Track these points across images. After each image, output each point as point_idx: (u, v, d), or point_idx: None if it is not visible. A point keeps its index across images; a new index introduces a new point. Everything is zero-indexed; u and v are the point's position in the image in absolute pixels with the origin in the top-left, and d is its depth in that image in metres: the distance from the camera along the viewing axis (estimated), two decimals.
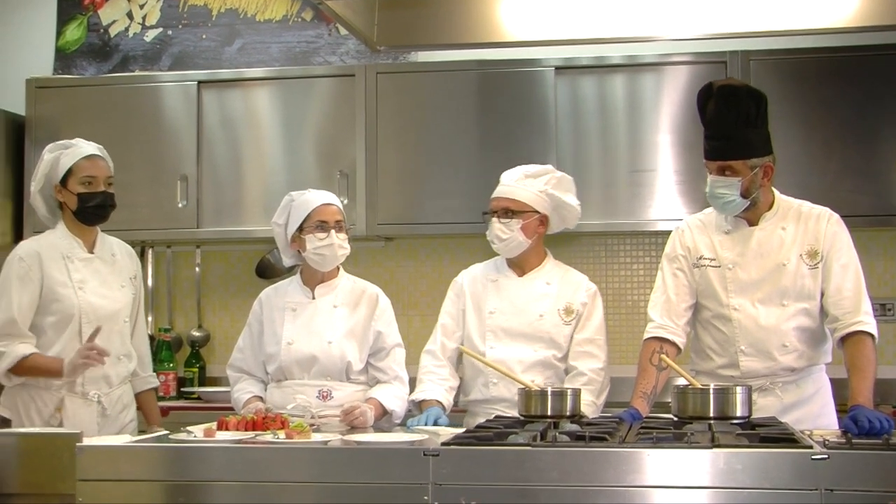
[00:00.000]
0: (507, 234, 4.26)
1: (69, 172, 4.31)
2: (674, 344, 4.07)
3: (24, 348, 4.17)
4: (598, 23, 4.86)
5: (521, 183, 4.31)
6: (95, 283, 4.35)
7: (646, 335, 4.13)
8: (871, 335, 3.88)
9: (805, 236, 4.02)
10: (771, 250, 4.02)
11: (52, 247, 4.32)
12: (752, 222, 4.07)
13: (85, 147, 4.37)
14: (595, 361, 4.26)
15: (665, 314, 4.11)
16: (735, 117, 3.91)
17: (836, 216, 4.07)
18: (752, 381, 3.91)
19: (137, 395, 4.52)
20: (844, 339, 3.89)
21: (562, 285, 4.36)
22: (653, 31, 4.89)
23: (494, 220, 4.27)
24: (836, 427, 3.96)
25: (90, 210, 4.33)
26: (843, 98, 5.35)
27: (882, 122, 5.31)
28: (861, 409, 3.51)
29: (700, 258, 4.10)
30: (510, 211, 4.26)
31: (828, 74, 5.37)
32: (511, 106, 5.55)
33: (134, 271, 4.53)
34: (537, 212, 4.30)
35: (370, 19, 4.69)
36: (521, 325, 4.29)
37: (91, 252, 4.39)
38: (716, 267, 4.06)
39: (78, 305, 4.26)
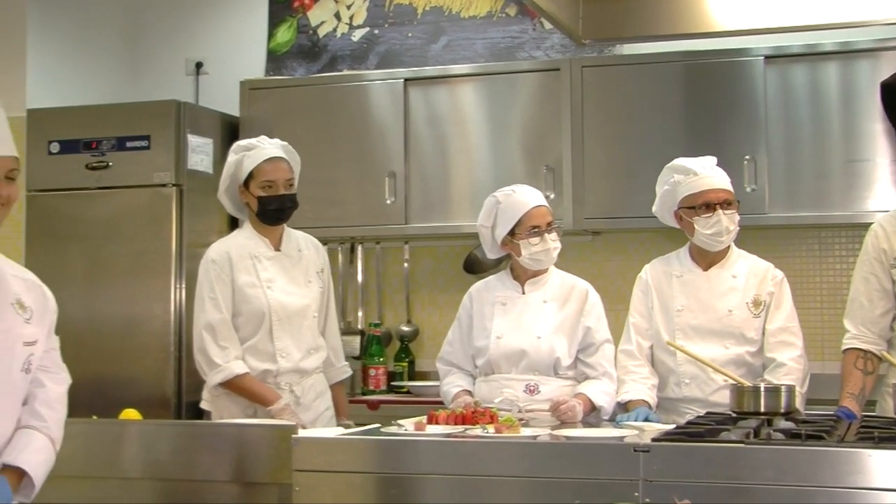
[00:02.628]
0: (733, 226, 4.19)
1: (251, 175, 4.39)
2: (873, 353, 3.97)
3: (238, 367, 4.26)
4: (809, 9, 4.72)
5: (721, 172, 4.24)
6: (283, 281, 4.43)
7: (844, 346, 4.06)
8: None
9: None
10: None
11: (241, 247, 4.42)
12: None
13: (267, 149, 4.43)
14: (792, 350, 4.13)
15: (860, 322, 4.03)
16: None
17: None
18: None
19: (331, 387, 4.60)
20: None
21: (748, 277, 4.25)
22: (867, 15, 4.72)
23: (720, 211, 4.16)
24: None
25: (270, 213, 4.41)
26: None
27: None
28: None
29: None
30: (729, 202, 4.18)
31: None
32: (719, 97, 5.44)
33: (321, 265, 4.59)
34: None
35: (575, 13, 4.67)
36: (709, 322, 4.20)
37: (277, 250, 4.48)
38: None
39: (267, 304, 4.35)
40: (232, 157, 4.47)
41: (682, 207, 4.22)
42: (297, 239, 4.57)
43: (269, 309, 4.36)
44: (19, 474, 2.91)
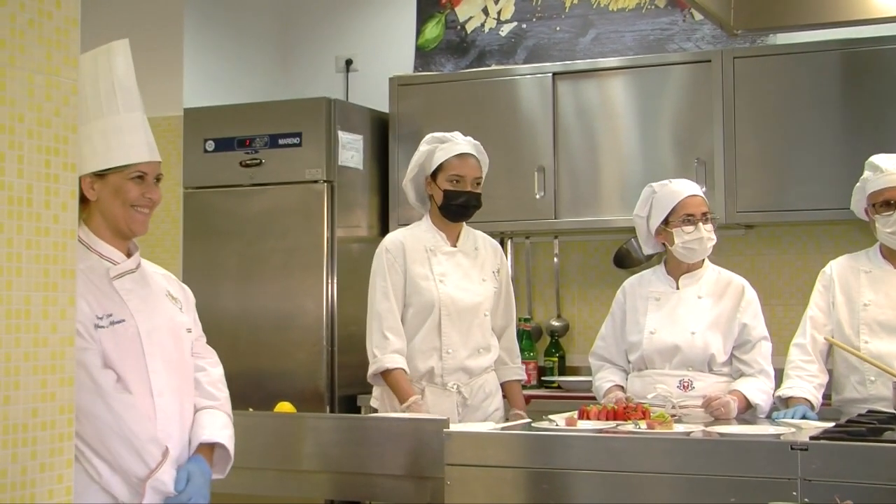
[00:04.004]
0: None
1: (440, 168, 4.42)
2: None
3: (392, 360, 4.26)
4: None
5: None
6: (457, 277, 4.44)
7: None
8: None
9: None
10: None
11: (417, 239, 4.45)
12: None
13: (460, 144, 4.45)
14: None
15: None
16: None
17: None
18: None
19: (503, 384, 4.58)
20: None
21: None
22: None
23: None
24: None
25: (454, 208, 4.43)
26: None
27: None
28: None
29: None
30: None
31: None
32: (878, 86, 5.28)
33: (497, 265, 4.59)
34: None
35: (727, 3, 4.60)
36: None
37: (454, 246, 4.50)
38: None
39: (438, 298, 4.37)
40: (423, 147, 4.50)
41: (869, 204, 4.14)
42: (475, 237, 4.58)
43: (438, 303, 4.38)
44: (210, 451, 3.03)
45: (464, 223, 4.53)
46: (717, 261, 4.41)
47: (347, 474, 3.60)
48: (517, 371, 4.62)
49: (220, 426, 3.05)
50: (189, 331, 3.09)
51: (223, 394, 3.14)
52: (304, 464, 3.68)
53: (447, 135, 4.48)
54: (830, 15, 4.68)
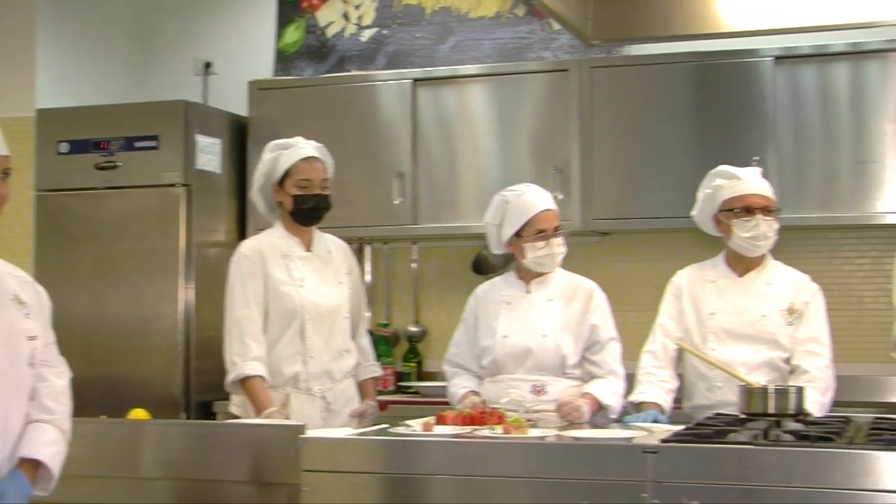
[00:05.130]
0: (771, 233, 4.20)
1: (286, 174, 4.41)
2: None
3: (252, 367, 4.25)
4: (818, 10, 4.71)
5: (764, 181, 4.26)
6: (315, 281, 4.44)
7: None
8: None
9: None
10: None
11: (273, 246, 4.44)
12: None
13: (304, 148, 4.45)
14: (819, 359, 4.13)
15: None
16: None
17: None
18: None
19: (361, 383, 4.59)
20: None
21: (783, 285, 4.25)
22: (878, 16, 4.71)
23: (760, 217, 4.17)
24: None
25: (305, 212, 4.42)
26: None
27: None
28: None
29: None
30: (769, 209, 4.19)
31: None
32: (728, 98, 5.43)
33: (349, 267, 4.61)
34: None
35: (584, 13, 4.67)
36: (743, 326, 4.19)
37: (309, 250, 4.49)
38: None
39: (300, 303, 4.36)
40: (267, 156, 4.48)
41: (722, 211, 4.23)
42: (326, 241, 4.59)
43: (301, 308, 4.36)
44: (35, 467, 2.92)
45: (315, 228, 4.53)
46: (572, 267, 4.47)
47: (197, 481, 3.56)
48: (373, 369, 4.67)
49: (46, 442, 2.94)
50: (33, 338, 2.96)
51: (62, 407, 3.04)
52: (153, 471, 3.62)
53: (290, 140, 4.48)
54: (682, 28, 4.78)
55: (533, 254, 4.23)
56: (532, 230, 4.22)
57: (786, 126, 5.35)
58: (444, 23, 6.28)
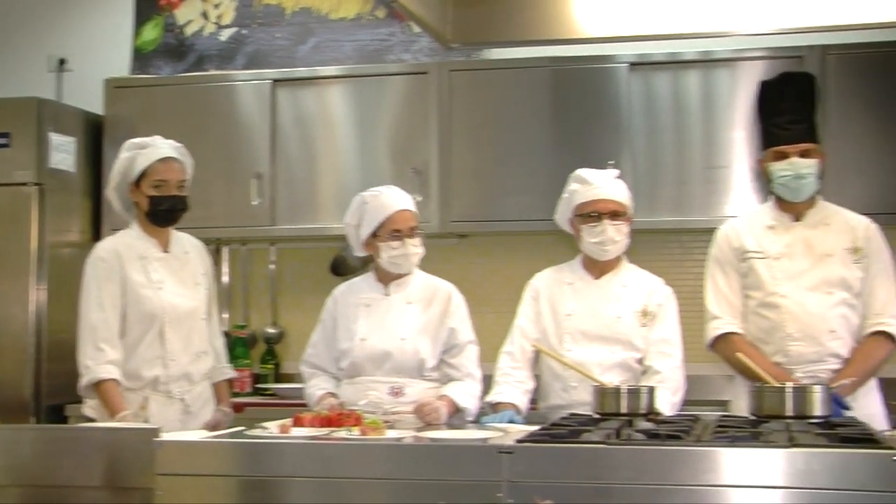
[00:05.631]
0: (620, 237, 4.26)
1: (143, 174, 4.36)
2: (740, 335, 4.28)
3: (106, 371, 4.19)
4: (672, 18, 4.82)
5: (617, 184, 4.33)
6: (173, 283, 4.39)
7: (715, 332, 4.31)
8: (891, 338, 4.16)
9: (847, 234, 4.25)
10: (816, 242, 4.23)
11: (129, 247, 4.38)
12: (796, 217, 4.29)
13: (161, 148, 4.40)
14: (670, 360, 4.23)
15: (727, 310, 4.30)
16: (812, 103, 4.22)
17: (875, 225, 4.30)
18: (801, 367, 4.14)
19: (215, 385, 4.57)
20: (866, 337, 4.18)
21: (638, 287, 4.34)
22: (728, 27, 4.83)
23: (607, 222, 4.23)
24: (886, 423, 4.18)
25: (161, 213, 4.38)
26: None
27: None
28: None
29: (746, 252, 4.29)
30: (618, 213, 4.26)
31: None
32: (584, 103, 5.53)
33: (206, 267, 4.57)
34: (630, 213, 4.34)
35: (443, 16, 4.69)
36: (598, 327, 4.27)
37: (166, 251, 4.44)
38: (762, 258, 4.25)
39: (160, 306, 4.31)
40: (124, 155, 4.41)
41: (575, 215, 4.30)
42: (183, 241, 4.54)
43: (161, 311, 4.30)
44: None
45: (171, 228, 4.47)
46: (431, 269, 4.50)
47: (48, 487, 3.48)
48: (226, 371, 4.65)
49: None
50: None
51: None
52: (2, 478, 3.52)
53: (147, 140, 4.43)
54: (540, 33, 4.83)
55: (388, 254, 4.25)
56: (387, 230, 4.24)
57: (640, 131, 5.47)
58: (305, 24, 6.26)
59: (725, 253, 4.33)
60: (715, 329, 4.28)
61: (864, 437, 3.09)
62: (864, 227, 4.26)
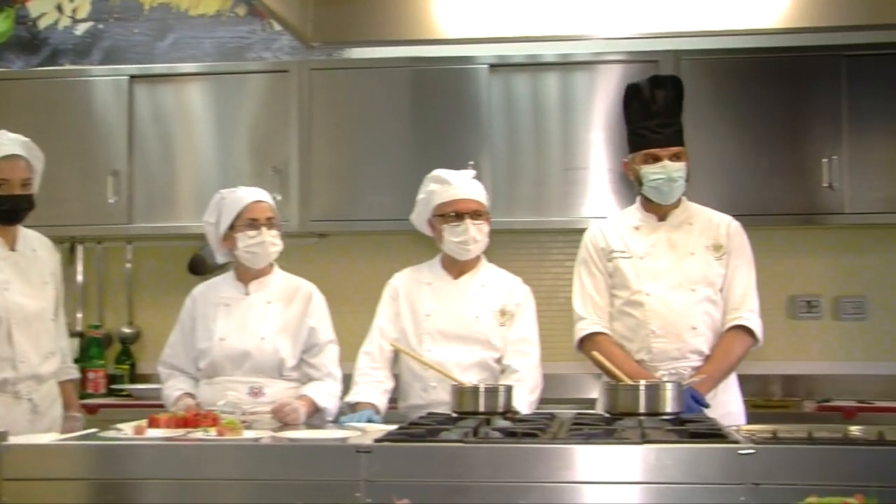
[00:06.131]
0: (481, 237, 4.30)
1: None
2: (606, 335, 4.28)
3: None
4: (532, 21, 4.88)
5: (476, 184, 4.35)
6: (20, 283, 4.29)
7: (581, 333, 4.29)
8: (750, 332, 4.21)
9: (710, 232, 4.30)
10: (679, 242, 4.28)
11: None
12: (661, 217, 4.32)
13: (5, 145, 4.29)
14: (528, 359, 4.28)
15: (592, 311, 4.30)
16: (679, 106, 4.24)
17: (737, 223, 4.36)
18: (664, 364, 4.18)
19: (59, 385, 4.49)
20: (725, 333, 4.23)
21: (496, 287, 4.38)
22: (586, 30, 4.92)
23: (469, 221, 4.26)
24: (744, 419, 4.27)
25: (2, 213, 4.27)
26: (773, 98, 5.42)
27: (811, 122, 5.39)
28: (685, 391, 3.76)
29: (612, 252, 4.31)
30: (479, 213, 4.29)
31: (758, 74, 5.44)
32: (445, 103, 5.56)
33: (54, 266, 4.48)
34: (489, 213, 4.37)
35: (304, 15, 4.68)
36: (457, 327, 4.29)
37: (12, 249, 4.34)
38: (627, 258, 4.29)
39: (5, 307, 4.21)
40: None
41: (435, 215, 4.31)
42: (31, 239, 4.43)
43: (7, 312, 4.20)
44: None
45: (19, 226, 4.37)
46: (291, 268, 4.48)
47: None
48: (71, 371, 4.59)
49: None
50: None
51: None
52: None
53: None
54: (401, 33, 4.86)
55: (244, 243, 4.22)
56: (244, 221, 4.21)
57: (499, 132, 5.52)
58: (163, 19, 6.17)
59: (592, 254, 4.36)
60: (581, 330, 4.31)
61: (712, 433, 3.17)
62: (726, 224, 4.32)
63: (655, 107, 4.21)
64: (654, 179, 4.20)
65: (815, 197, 5.35)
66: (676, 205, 4.31)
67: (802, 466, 2.95)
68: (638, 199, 4.39)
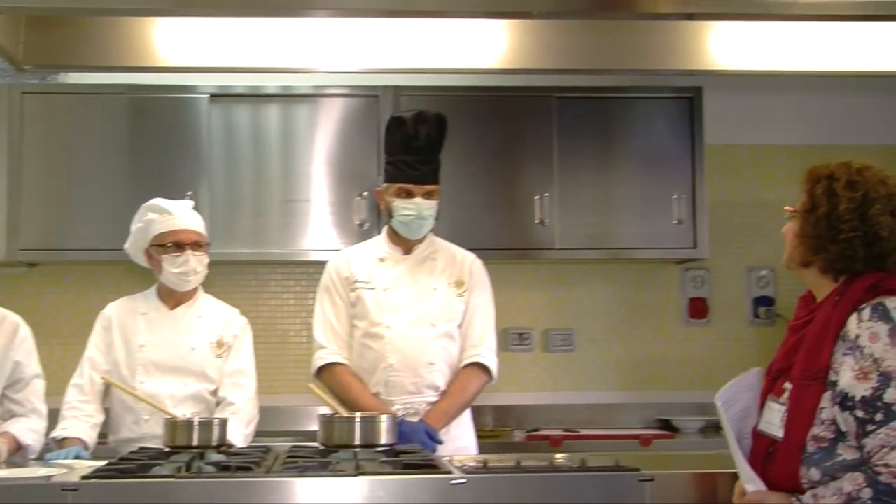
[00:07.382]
0: (201, 268, 4.26)
1: None
2: (344, 365, 4.23)
3: None
4: (253, 52, 4.89)
5: (195, 215, 4.31)
6: None
7: (319, 362, 4.25)
8: (486, 369, 4.26)
9: (453, 268, 4.34)
10: (422, 277, 4.29)
11: None
12: (407, 251, 4.33)
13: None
14: (244, 391, 4.25)
15: (333, 340, 4.26)
16: (440, 144, 4.26)
17: (480, 261, 4.41)
18: (400, 398, 4.16)
19: None
20: (462, 369, 4.27)
21: (213, 318, 4.33)
22: (308, 63, 4.97)
23: (190, 252, 4.20)
24: (475, 450, 4.31)
25: None
26: (488, 136, 5.59)
27: (523, 160, 5.58)
28: (418, 426, 3.89)
29: (356, 282, 4.28)
30: (199, 243, 4.25)
31: (476, 112, 5.59)
32: (163, 132, 5.47)
33: None
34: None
35: (16, 38, 4.55)
36: (172, 358, 4.22)
37: None
38: (370, 290, 4.26)
39: None
40: None
41: (153, 245, 4.23)
42: None
43: None
44: None
45: None
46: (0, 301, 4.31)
47: None
48: None
49: None
50: None
51: None
52: None
53: None
54: (118, 60, 4.79)
55: None
56: None
57: (219, 162, 5.47)
58: None
59: (335, 282, 4.32)
60: (320, 359, 4.27)
61: (425, 464, 3.22)
62: (469, 262, 4.37)
63: (417, 143, 4.21)
64: (405, 215, 4.21)
65: (528, 232, 5.54)
66: (422, 239, 4.33)
67: (511, 494, 3.05)
68: (385, 229, 4.40)
